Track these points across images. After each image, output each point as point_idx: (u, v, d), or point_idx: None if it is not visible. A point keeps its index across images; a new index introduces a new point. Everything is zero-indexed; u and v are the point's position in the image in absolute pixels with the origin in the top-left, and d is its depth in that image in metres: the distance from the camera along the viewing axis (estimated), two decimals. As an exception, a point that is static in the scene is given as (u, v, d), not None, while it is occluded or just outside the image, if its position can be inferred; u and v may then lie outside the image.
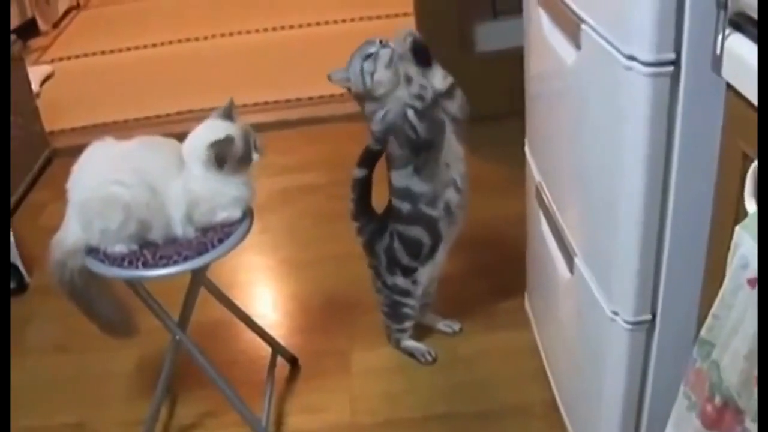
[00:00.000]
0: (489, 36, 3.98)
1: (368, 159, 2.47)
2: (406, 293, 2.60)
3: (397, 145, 2.36)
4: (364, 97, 2.35)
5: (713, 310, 1.18)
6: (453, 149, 2.41)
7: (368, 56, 2.31)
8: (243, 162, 2.17)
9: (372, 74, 2.30)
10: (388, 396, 2.60)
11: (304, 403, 2.60)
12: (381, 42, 2.34)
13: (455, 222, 2.52)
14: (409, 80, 2.32)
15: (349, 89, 2.37)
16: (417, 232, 2.48)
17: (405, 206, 2.44)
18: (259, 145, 2.22)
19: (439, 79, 2.34)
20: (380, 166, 2.46)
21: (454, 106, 2.38)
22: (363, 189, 2.52)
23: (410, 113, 2.31)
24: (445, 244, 2.54)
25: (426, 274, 2.58)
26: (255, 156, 2.20)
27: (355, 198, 2.54)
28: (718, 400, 1.19)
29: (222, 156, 2.12)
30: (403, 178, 2.41)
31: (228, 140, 2.14)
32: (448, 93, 2.36)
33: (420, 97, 2.31)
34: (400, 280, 2.57)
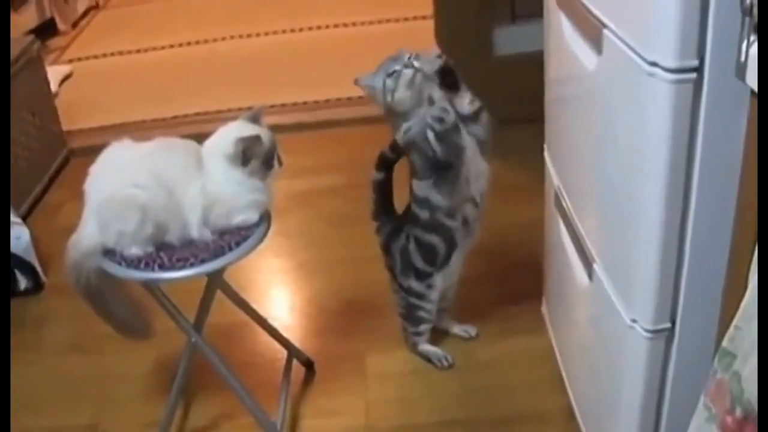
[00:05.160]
0: (508, 40, 3.96)
1: (384, 164, 2.48)
2: (422, 296, 2.59)
3: (417, 159, 2.36)
4: (387, 110, 2.35)
5: (735, 320, 1.17)
6: (476, 167, 2.41)
7: (392, 73, 2.29)
8: (265, 166, 2.17)
9: (393, 92, 2.29)
10: (404, 401, 2.59)
11: (320, 407, 2.60)
12: (409, 57, 2.31)
13: (471, 234, 2.53)
14: (431, 101, 2.31)
15: (372, 96, 2.36)
16: (433, 239, 2.48)
17: (423, 214, 2.44)
18: (281, 156, 2.23)
19: (465, 103, 2.35)
20: (404, 168, 2.45)
21: (480, 130, 2.38)
22: (382, 190, 2.54)
23: (430, 134, 2.30)
24: (459, 252, 2.55)
25: (441, 279, 2.58)
26: (276, 165, 2.20)
27: (375, 198, 2.56)
28: (738, 412, 1.17)
29: (248, 152, 2.13)
30: (423, 188, 2.41)
31: (256, 138, 2.15)
32: (474, 117, 2.36)
33: (440, 119, 2.30)
34: (415, 284, 2.57)
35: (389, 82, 2.29)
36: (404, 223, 2.53)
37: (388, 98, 2.30)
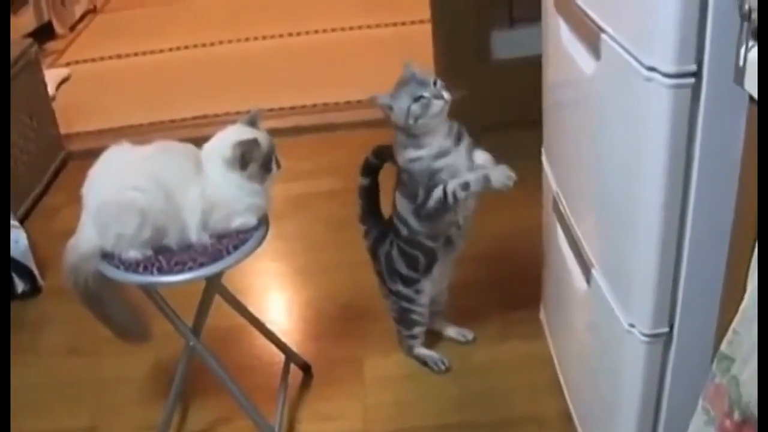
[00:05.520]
0: (506, 44, 3.96)
1: (369, 169, 2.49)
2: (411, 300, 2.59)
3: (406, 183, 2.36)
4: (399, 128, 2.30)
5: (734, 324, 1.17)
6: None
7: (419, 98, 2.22)
8: (263, 170, 2.17)
9: (417, 118, 2.23)
10: (401, 404, 2.59)
11: (317, 411, 2.60)
12: (435, 83, 2.25)
13: (454, 249, 2.53)
14: (466, 187, 2.28)
15: (387, 114, 2.30)
16: (414, 252, 2.48)
17: (403, 230, 2.45)
18: (279, 159, 2.23)
19: (482, 156, 2.36)
20: (392, 172, 2.45)
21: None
22: (368, 195, 2.54)
23: (437, 193, 2.29)
24: (441, 264, 2.54)
25: (427, 285, 2.57)
26: (274, 168, 2.20)
27: (361, 203, 2.56)
28: (737, 415, 1.18)
29: (247, 156, 2.13)
30: (403, 208, 2.41)
31: (254, 142, 2.15)
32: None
33: (456, 200, 2.29)
34: (402, 288, 2.57)
35: (415, 107, 2.22)
36: (390, 228, 2.52)
37: (410, 121, 2.24)
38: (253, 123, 2.25)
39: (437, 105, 2.23)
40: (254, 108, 2.29)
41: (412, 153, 2.30)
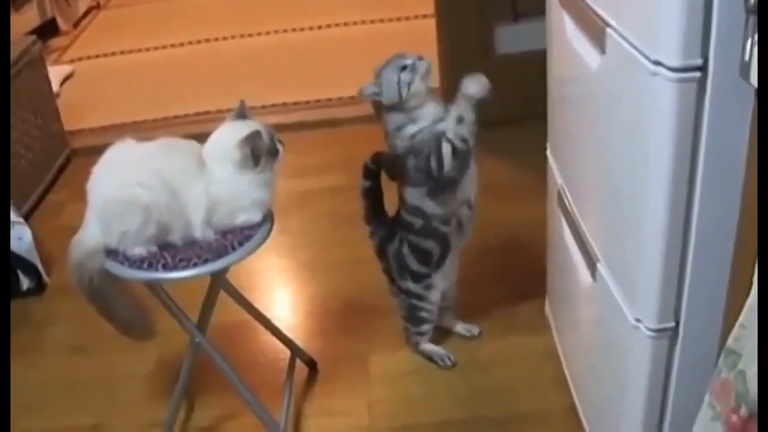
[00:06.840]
0: (510, 39, 3.96)
1: (368, 174, 2.48)
2: (421, 298, 2.59)
3: (414, 166, 2.36)
4: (392, 108, 2.33)
5: (741, 319, 1.17)
6: (470, 170, 2.41)
7: (404, 67, 2.29)
8: (272, 156, 2.17)
9: (409, 84, 2.28)
10: (407, 400, 2.59)
11: (323, 407, 2.59)
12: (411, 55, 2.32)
13: (465, 235, 2.53)
14: (461, 120, 2.30)
15: (375, 102, 2.34)
16: (428, 244, 2.48)
17: (417, 221, 2.45)
18: (281, 138, 2.23)
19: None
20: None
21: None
22: (372, 196, 2.53)
23: (446, 148, 2.30)
24: (453, 253, 2.54)
25: (439, 279, 2.57)
26: (280, 148, 2.20)
27: (365, 204, 2.55)
28: (743, 410, 1.17)
29: (256, 150, 2.13)
30: (415, 197, 2.41)
31: (256, 134, 2.14)
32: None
33: (464, 140, 2.30)
34: (412, 285, 2.57)
35: (404, 75, 2.28)
36: (397, 226, 2.52)
37: (404, 93, 2.28)
38: (242, 115, 2.24)
39: (421, 65, 2.30)
40: (259, 103, 2.28)
41: (412, 128, 2.33)
